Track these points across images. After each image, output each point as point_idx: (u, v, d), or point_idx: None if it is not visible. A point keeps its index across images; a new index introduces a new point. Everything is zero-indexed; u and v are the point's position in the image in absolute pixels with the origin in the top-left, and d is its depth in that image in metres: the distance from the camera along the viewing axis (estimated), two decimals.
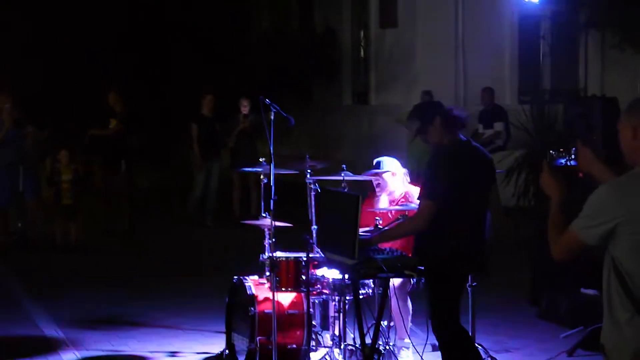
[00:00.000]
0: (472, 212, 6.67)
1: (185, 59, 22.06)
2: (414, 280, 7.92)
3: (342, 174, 8.09)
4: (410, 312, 8.15)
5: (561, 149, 5.20)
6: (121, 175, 15.64)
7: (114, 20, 21.96)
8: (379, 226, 7.63)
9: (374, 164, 8.33)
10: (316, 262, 7.67)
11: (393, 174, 8.24)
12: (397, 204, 8.16)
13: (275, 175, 7.69)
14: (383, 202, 8.27)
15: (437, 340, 6.81)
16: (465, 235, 6.62)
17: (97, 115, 16.04)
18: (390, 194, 8.26)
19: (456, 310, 6.76)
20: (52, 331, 9.45)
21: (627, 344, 4.36)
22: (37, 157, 14.77)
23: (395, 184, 8.24)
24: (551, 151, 5.25)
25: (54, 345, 8.90)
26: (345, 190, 7.90)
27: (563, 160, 5.08)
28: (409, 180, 8.36)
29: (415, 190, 8.21)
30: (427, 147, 16.44)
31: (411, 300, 8.14)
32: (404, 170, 8.34)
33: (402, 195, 8.22)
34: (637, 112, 4.52)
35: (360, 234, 7.03)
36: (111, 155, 15.54)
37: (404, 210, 7.87)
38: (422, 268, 6.77)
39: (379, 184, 8.29)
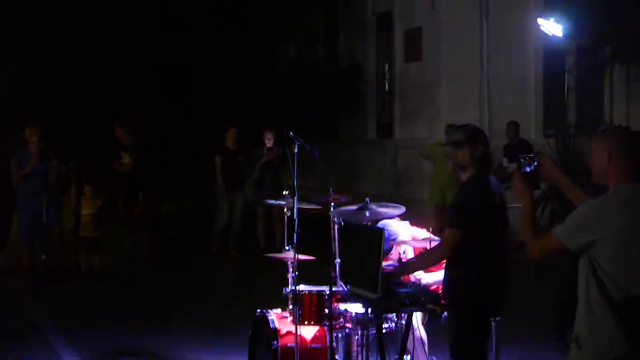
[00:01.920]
0: (494, 243, 6.64)
1: (211, 91, 22.19)
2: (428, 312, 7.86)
3: (367, 210, 8.02)
4: (426, 342, 8.09)
5: (529, 156, 5.46)
6: (141, 206, 15.73)
7: (142, 53, 22.11)
8: (402, 260, 7.61)
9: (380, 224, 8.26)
10: (339, 296, 7.65)
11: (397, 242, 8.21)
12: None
13: (299, 208, 7.69)
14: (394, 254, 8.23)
15: None
16: (490, 264, 6.58)
17: (107, 148, 16.16)
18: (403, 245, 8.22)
19: (482, 346, 6.70)
20: None
21: (604, 335, 4.91)
22: (61, 188, 14.86)
23: (404, 236, 8.19)
24: (521, 159, 5.47)
25: None
26: (369, 224, 7.89)
27: (529, 169, 5.38)
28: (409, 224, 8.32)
29: (419, 232, 8.19)
30: (451, 180, 16.45)
31: (426, 333, 8.09)
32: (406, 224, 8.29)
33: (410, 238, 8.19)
34: (614, 138, 5.10)
35: (384, 266, 7.03)
36: (128, 188, 15.66)
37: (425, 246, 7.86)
38: (445, 296, 6.74)
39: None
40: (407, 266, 7.10)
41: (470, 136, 6.77)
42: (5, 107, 18.81)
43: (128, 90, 21.57)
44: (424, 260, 7.10)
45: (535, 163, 5.46)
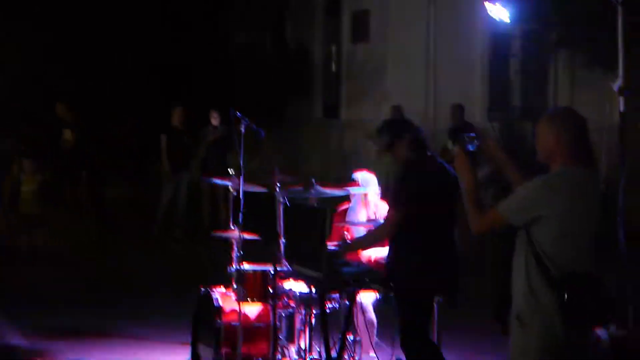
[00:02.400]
0: (438, 228, 6.72)
1: (156, 71, 22.03)
2: (380, 294, 7.94)
3: (313, 189, 8.10)
4: (376, 326, 8.17)
5: (472, 135, 5.58)
6: (84, 186, 15.62)
7: (85, 29, 21.85)
8: (347, 241, 7.66)
9: (352, 178, 8.40)
10: (283, 275, 7.69)
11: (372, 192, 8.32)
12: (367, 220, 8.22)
13: (244, 188, 7.70)
14: (362, 216, 8.32)
15: (405, 355, 6.82)
16: (433, 248, 6.66)
17: (50, 126, 16.02)
18: (369, 210, 8.32)
19: (425, 325, 6.80)
20: (17, 341, 9.39)
21: (545, 312, 5.06)
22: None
23: (373, 200, 8.32)
24: (465, 137, 5.58)
25: (20, 355, 8.84)
26: (314, 204, 7.93)
27: (472, 147, 5.49)
28: (379, 196, 8.41)
29: (384, 207, 8.28)
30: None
31: (376, 315, 8.16)
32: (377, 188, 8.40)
33: (374, 211, 8.28)
34: (563, 120, 5.25)
35: (329, 247, 7.08)
36: (70, 167, 15.53)
37: (371, 226, 7.92)
38: (388, 280, 6.80)
39: (357, 199, 8.36)
40: (351, 245, 7.20)
41: (392, 135, 6.92)
42: (5, 107, 18.59)
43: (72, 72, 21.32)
44: (367, 239, 7.22)
45: (477, 142, 5.54)
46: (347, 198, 8.49)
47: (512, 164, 5.58)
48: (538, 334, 5.09)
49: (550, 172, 5.24)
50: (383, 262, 7.64)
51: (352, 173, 8.48)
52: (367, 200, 8.34)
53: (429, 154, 6.93)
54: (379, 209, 8.29)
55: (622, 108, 8.63)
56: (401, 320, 6.77)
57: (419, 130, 7.03)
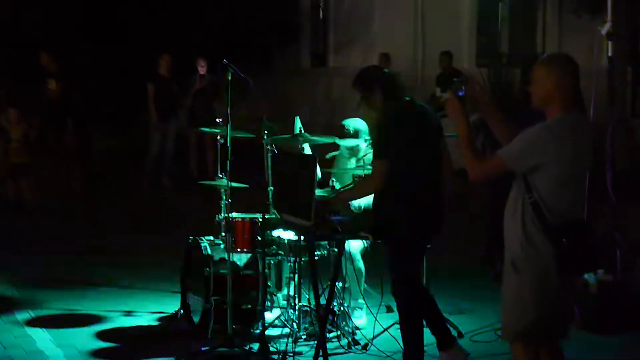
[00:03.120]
0: (423, 172, 6.69)
1: (142, 19, 21.87)
2: (368, 242, 7.96)
3: (300, 136, 8.08)
4: (364, 273, 8.19)
5: (460, 79, 5.55)
6: (71, 135, 15.57)
7: None
8: (335, 190, 7.66)
9: (344, 126, 8.37)
10: (272, 223, 7.69)
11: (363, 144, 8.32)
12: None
13: (232, 136, 7.66)
14: (351, 163, 8.31)
15: (396, 300, 6.84)
16: (420, 195, 6.65)
17: (34, 76, 15.93)
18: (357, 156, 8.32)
19: (416, 273, 6.82)
20: (6, 291, 9.40)
21: (540, 258, 5.11)
22: None
23: (363, 148, 8.31)
24: (455, 82, 5.54)
25: (9, 305, 8.85)
26: (303, 151, 7.91)
27: (461, 93, 5.47)
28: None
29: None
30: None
31: (364, 262, 8.18)
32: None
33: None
34: (563, 65, 5.23)
35: (317, 194, 7.07)
36: (56, 115, 15.47)
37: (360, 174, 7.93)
38: (378, 230, 6.80)
39: (350, 150, 8.34)
40: (340, 196, 7.17)
41: (365, 87, 6.86)
42: None
43: (54, 21, 21.10)
44: (357, 190, 7.20)
45: (464, 88, 5.51)
46: (335, 145, 8.46)
47: (497, 111, 5.56)
48: (532, 279, 5.14)
49: (547, 117, 5.22)
50: (371, 210, 7.69)
51: (341, 121, 8.44)
52: (357, 148, 8.32)
53: (407, 98, 6.87)
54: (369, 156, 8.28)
55: (610, 53, 8.61)
56: (392, 268, 6.78)
57: (392, 75, 6.95)
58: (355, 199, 7.41)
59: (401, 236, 6.67)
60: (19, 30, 20.72)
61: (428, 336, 6.88)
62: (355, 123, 8.34)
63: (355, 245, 8.05)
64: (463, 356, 6.93)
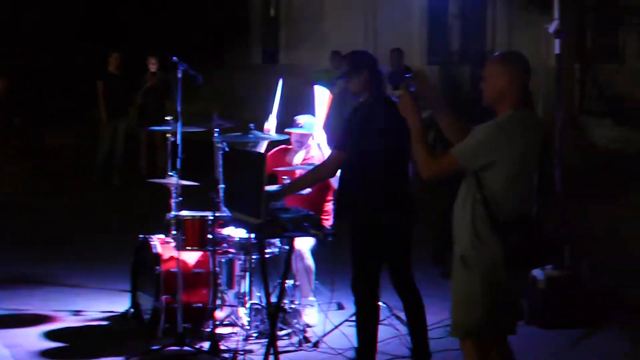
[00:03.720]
0: (391, 167, 6.70)
1: (93, 17, 21.72)
2: (318, 239, 7.97)
3: (251, 134, 8.07)
4: (314, 271, 8.20)
5: (409, 76, 5.57)
6: (18, 132, 15.44)
7: None
8: (286, 183, 7.65)
9: (295, 121, 8.40)
10: (222, 221, 7.67)
11: (313, 137, 8.33)
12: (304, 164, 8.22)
13: (182, 133, 7.64)
14: (298, 159, 8.32)
15: (354, 297, 6.85)
16: (386, 187, 6.64)
17: None
18: (307, 153, 8.32)
19: (374, 265, 6.80)
20: None
21: (489, 254, 5.13)
22: None
23: (314, 146, 8.32)
24: (406, 75, 5.56)
25: None
26: (252, 149, 7.91)
27: (412, 88, 5.48)
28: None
29: (326, 151, 8.28)
30: (338, 106, 16.51)
31: (315, 260, 8.19)
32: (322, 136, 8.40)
33: (318, 158, 8.27)
34: (515, 63, 5.27)
35: (267, 192, 7.06)
36: (2, 112, 15.32)
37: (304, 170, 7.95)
38: (329, 228, 6.82)
39: (300, 142, 8.35)
40: (291, 186, 7.18)
41: (354, 66, 6.84)
42: None
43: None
44: (307, 179, 7.22)
45: (413, 84, 5.51)
46: (285, 142, 8.47)
47: (447, 107, 5.56)
48: (481, 275, 5.17)
49: (498, 115, 5.25)
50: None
51: (294, 118, 8.47)
52: (309, 143, 8.34)
53: (384, 94, 6.88)
54: (320, 153, 8.29)
55: (557, 50, 8.68)
56: (354, 260, 6.79)
57: (380, 69, 6.97)
58: (306, 187, 7.39)
59: (361, 224, 6.70)
60: None
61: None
62: (307, 118, 8.41)
63: (305, 243, 8.06)
64: None
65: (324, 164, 6.98)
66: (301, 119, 8.40)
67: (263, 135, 8.05)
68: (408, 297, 6.96)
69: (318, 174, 7.09)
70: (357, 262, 6.78)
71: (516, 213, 5.16)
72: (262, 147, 8.23)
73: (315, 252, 8.20)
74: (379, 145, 6.63)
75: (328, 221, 8.32)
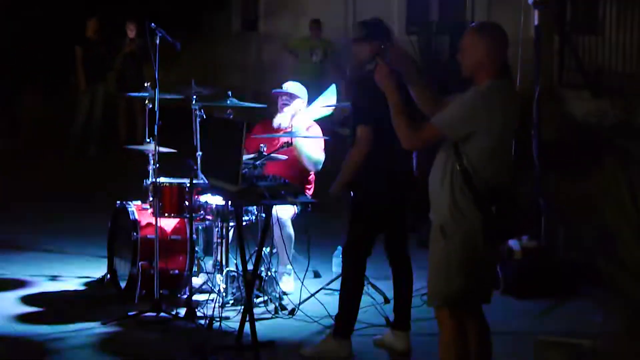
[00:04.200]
0: (395, 145, 6.63)
1: None
2: (298, 208, 7.99)
3: (229, 101, 8.07)
4: (293, 239, 8.22)
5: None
6: None
7: None
8: (263, 153, 7.66)
9: (282, 87, 8.41)
10: (200, 188, 7.68)
11: (302, 102, 8.31)
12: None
13: (160, 100, 7.62)
14: (283, 120, 8.29)
15: (343, 266, 6.88)
16: (389, 164, 6.59)
17: None
18: (291, 118, 8.30)
19: (366, 237, 6.81)
20: None
21: (468, 224, 5.16)
22: None
23: (300, 111, 8.31)
24: (381, 46, 5.53)
25: None
26: (231, 116, 7.90)
27: (387, 60, 5.46)
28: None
29: (316, 128, 8.29)
30: (316, 78, 16.54)
31: (294, 228, 8.21)
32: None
33: (306, 128, 8.28)
34: (493, 34, 5.27)
35: (245, 160, 7.08)
36: None
37: (290, 138, 7.95)
38: (306, 198, 6.82)
39: (285, 104, 8.34)
40: (342, 177, 6.87)
41: (369, 33, 6.77)
42: None
43: None
44: (350, 167, 6.81)
45: (388, 54, 5.50)
46: (265, 110, 8.47)
47: (420, 79, 5.55)
48: (460, 245, 5.20)
49: (478, 85, 5.26)
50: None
51: (271, 87, 8.47)
52: (295, 107, 8.34)
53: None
54: (305, 119, 8.31)
55: (536, 21, 8.70)
56: (351, 232, 6.81)
57: (393, 42, 6.89)
58: (353, 170, 6.81)
59: (360, 198, 6.73)
60: None
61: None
62: (294, 85, 8.42)
63: (285, 212, 8.08)
64: (405, 347, 6.93)
65: (357, 143, 6.67)
66: (288, 84, 8.43)
67: (240, 103, 8.05)
68: (400, 267, 7.01)
69: (356, 155, 6.70)
70: (354, 230, 6.80)
71: (495, 184, 5.19)
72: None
73: (294, 221, 8.22)
74: (384, 122, 6.55)
75: (310, 190, 8.35)
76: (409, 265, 7.01)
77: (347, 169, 6.78)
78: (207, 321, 7.20)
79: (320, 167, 8.34)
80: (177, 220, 7.92)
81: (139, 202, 8.09)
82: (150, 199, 7.86)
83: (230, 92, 8.05)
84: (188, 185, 7.60)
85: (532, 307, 8.02)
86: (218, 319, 7.22)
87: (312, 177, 8.45)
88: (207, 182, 7.36)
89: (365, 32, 6.79)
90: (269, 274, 7.78)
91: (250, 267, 7.05)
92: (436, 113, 5.32)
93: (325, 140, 8.42)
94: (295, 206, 7.97)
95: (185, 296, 7.68)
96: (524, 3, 8.64)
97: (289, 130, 8.24)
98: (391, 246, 6.99)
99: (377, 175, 6.65)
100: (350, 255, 6.82)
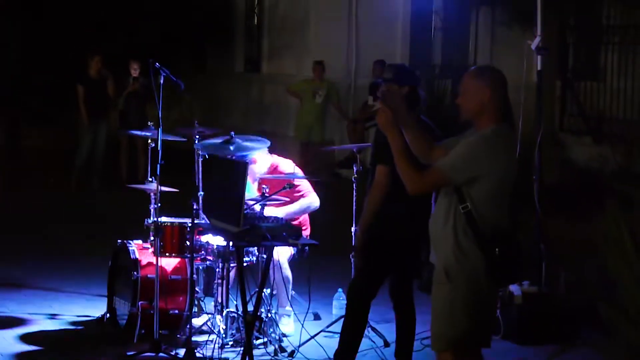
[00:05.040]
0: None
1: (74, 20, 21.61)
2: (296, 249, 7.97)
3: (232, 145, 8.06)
4: (291, 281, 8.21)
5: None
6: None
7: None
8: (266, 194, 7.66)
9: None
10: (201, 228, 7.68)
11: (254, 161, 8.25)
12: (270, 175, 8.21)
13: (163, 140, 7.63)
14: (253, 190, 8.28)
15: (347, 304, 6.90)
16: (410, 203, 6.57)
17: None
18: (255, 177, 8.28)
19: (374, 276, 6.82)
20: None
21: (472, 268, 5.17)
22: None
23: (258, 167, 8.27)
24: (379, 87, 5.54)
25: None
26: (233, 157, 7.90)
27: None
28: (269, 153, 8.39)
29: (283, 162, 8.28)
30: (317, 118, 16.60)
31: (292, 269, 8.20)
32: (264, 149, 8.33)
33: (270, 168, 8.25)
34: (495, 78, 5.28)
35: (247, 201, 7.08)
36: None
37: (289, 179, 7.95)
38: (307, 239, 6.82)
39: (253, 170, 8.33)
40: (362, 224, 6.87)
41: (397, 75, 6.84)
42: None
43: None
44: (369, 207, 6.82)
45: (383, 96, 5.49)
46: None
47: (412, 121, 5.48)
48: (465, 289, 5.19)
49: (478, 129, 5.27)
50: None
51: (273, 127, 8.47)
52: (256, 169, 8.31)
53: (423, 118, 6.85)
54: (277, 165, 8.31)
55: (539, 66, 8.73)
56: (361, 272, 6.84)
57: (421, 93, 6.94)
58: (374, 211, 6.82)
59: (375, 239, 6.72)
60: None
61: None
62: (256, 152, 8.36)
63: (283, 253, 8.07)
64: None
65: (376, 183, 6.71)
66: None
67: (244, 144, 8.05)
68: (404, 310, 7.00)
69: (376, 195, 6.72)
70: (364, 270, 6.80)
71: (497, 226, 5.20)
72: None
73: (292, 262, 8.21)
74: None
75: (306, 231, 8.34)
76: (412, 306, 7.00)
77: (369, 212, 6.79)
78: None
79: (316, 205, 8.30)
80: (177, 260, 7.91)
81: (139, 241, 8.08)
82: (151, 238, 7.85)
83: (232, 132, 8.05)
84: (189, 225, 7.59)
85: (533, 352, 7.99)
86: None
87: (305, 218, 8.42)
88: (208, 222, 7.35)
89: (392, 74, 6.86)
90: (269, 315, 7.76)
91: (250, 308, 7.03)
92: (428, 158, 5.34)
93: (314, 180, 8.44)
94: (292, 248, 7.96)
95: (184, 337, 7.65)
96: (527, 48, 8.67)
97: (290, 172, 8.23)
98: (397, 291, 6.99)
99: (394, 217, 6.65)
100: (356, 294, 6.82)
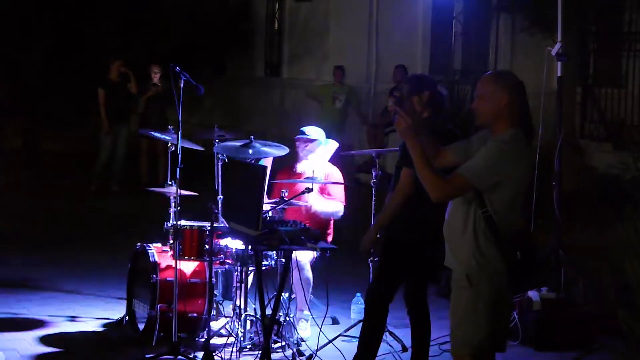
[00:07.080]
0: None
1: (97, 24, 21.69)
2: (318, 253, 7.99)
3: (251, 149, 8.08)
4: (311, 284, 8.22)
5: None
6: (20, 137, 15.43)
7: None
8: (284, 198, 7.68)
9: (302, 132, 8.45)
10: (220, 232, 7.70)
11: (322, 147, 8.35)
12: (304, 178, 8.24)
13: (182, 145, 7.66)
14: (302, 167, 8.33)
15: (366, 308, 6.93)
16: (431, 208, 6.59)
17: None
18: (310, 163, 8.32)
19: (391, 281, 6.85)
20: None
21: (494, 272, 5.18)
22: None
23: (320, 156, 8.33)
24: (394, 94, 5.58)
25: None
26: (252, 161, 7.93)
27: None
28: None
29: (336, 173, 8.32)
30: (336, 122, 16.58)
31: (312, 273, 8.21)
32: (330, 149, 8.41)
33: (325, 175, 8.30)
34: (513, 83, 5.27)
35: (266, 204, 7.10)
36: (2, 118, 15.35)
37: (311, 183, 7.97)
38: (326, 243, 6.83)
39: (306, 147, 8.37)
40: (379, 220, 6.96)
41: (414, 87, 6.86)
42: None
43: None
44: (391, 208, 6.85)
45: (397, 106, 5.49)
46: (287, 156, 8.49)
47: (422, 128, 5.48)
48: (487, 293, 5.19)
49: (495, 133, 5.26)
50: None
51: (294, 132, 8.50)
52: (317, 154, 8.37)
53: (443, 117, 6.89)
54: (332, 174, 8.34)
55: (559, 73, 8.72)
56: (379, 275, 6.88)
57: (441, 92, 6.97)
58: (394, 212, 6.86)
59: (395, 242, 6.75)
60: None
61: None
62: (314, 129, 8.45)
63: (305, 255, 8.09)
64: None
65: (400, 185, 6.73)
66: (308, 130, 8.45)
67: (263, 149, 8.07)
68: (419, 316, 7.00)
69: (398, 197, 6.75)
70: (382, 274, 6.83)
71: (515, 230, 5.21)
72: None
73: (314, 266, 8.22)
74: None
75: (330, 236, 8.36)
76: (427, 312, 7.00)
77: (389, 212, 6.81)
78: None
79: (340, 215, 8.35)
80: (196, 263, 7.93)
81: (159, 244, 8.12)
82: (171, 241, 7.88)
83: (252, 137, 8.07)
84: (208, 228, 7.62)
85: (551, 358, 7.97)
86: None
87: (331, 222, 8.46)
88: (227, 226, 7.38)
89: (409, 87, 6.89)
90: (287, 319, 7.77)
91: (268, 312, 7.04)
92: (436, 164, 5.34)
93: (345, 185, 8.45)
94: (314, 251, 7.96)
95: (203, 340, 7.67)
96: (547, 54, 8.66)
97: (310, 176, 8.25)
98: (412, 295, 6.99)
99: (412, 221, 6.66)
100: (375, 298, 6.83)
